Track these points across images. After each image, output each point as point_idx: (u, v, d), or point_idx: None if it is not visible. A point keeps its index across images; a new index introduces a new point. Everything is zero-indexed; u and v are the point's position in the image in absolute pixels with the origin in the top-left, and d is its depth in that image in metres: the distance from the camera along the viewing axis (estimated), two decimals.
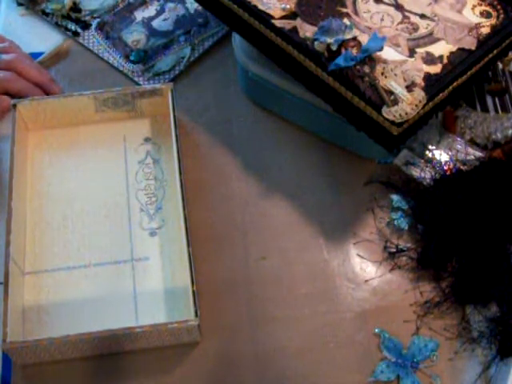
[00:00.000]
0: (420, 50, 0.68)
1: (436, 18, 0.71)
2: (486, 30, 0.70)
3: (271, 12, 0.69)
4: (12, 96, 0.77)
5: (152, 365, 0.64)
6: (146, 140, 0.77)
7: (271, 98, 0.77)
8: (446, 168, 0.71)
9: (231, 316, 0.66)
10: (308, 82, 0.68)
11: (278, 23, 0.68)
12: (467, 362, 0.63)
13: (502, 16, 0.72)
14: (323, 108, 0.71)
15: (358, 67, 0.64)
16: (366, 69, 0.64)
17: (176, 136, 0.72)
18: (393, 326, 0.65)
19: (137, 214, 0.72)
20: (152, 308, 0.66)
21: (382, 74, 0.64)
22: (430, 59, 0.67)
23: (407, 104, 0.62)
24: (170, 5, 0.88)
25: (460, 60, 0.67)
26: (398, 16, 0.71)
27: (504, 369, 0.61)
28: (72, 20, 0.87)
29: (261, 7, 0.69)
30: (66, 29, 0.87)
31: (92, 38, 0.86)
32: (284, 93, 0.75)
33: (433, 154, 0.73)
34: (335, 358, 0.64)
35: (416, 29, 0.70)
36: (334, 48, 0.65)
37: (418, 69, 0.66)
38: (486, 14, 0.72)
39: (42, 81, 0.79)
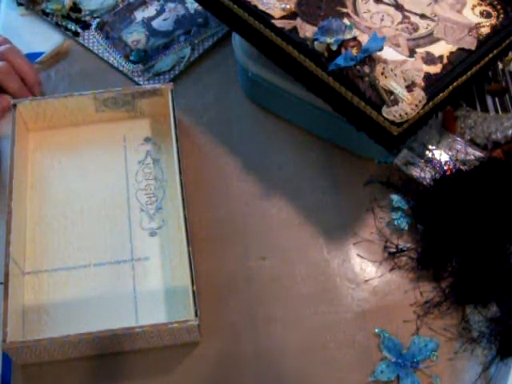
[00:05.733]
0: (420, 50, 0.68)
1: (436, 18, 0.71)
2: (485, 30, 0.70)
3: (271, 12, 0.69)
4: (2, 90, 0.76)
5: (152, 365, 0.64)
6: (146, 140, 0.77)
7: (271, 98, 0.77)
8: (446, 168, 0.71)
9: (231, 316, 0.66)
10: (308, 82, 0.68)
11: (278, 23, 0.68)
12: (467, 362, 0.63)
13: (502, 16, 0.72)
14: (323, 108, 0.71)
15: (358, 67, 0.64)
16: (366, 69, 0.64)
17: (176, 136, 0.72)
18: (393, 325, 0.65)
19: (137, 214, 0.72)
20: (152, 308, 0.66)
21: (382, 73, 0.64)
22: (429, 59, 0.67)
23: (407, 104, 0.62)
24: (170, 5, 0.88)
25: (460, 60, 0.67)
26: (398, 16, 0.71)
27: (504, 369, 0.61)
28: (72, 20, 0.87)
29: (261, 7, 0.69)
30: (66, 29, 0.87)
31: (92, 38, 0.86)
32: (284, 93, 0.75)
33: (433, 154, 0.73)
34: (335, 358, 0.64)
35: (416, 29, 0.70)
36: (334, 48, 0.65)
37: (418, 69, 0.66)
38: (485, 14, 0.72)
39: (31, 78, 0.78)
